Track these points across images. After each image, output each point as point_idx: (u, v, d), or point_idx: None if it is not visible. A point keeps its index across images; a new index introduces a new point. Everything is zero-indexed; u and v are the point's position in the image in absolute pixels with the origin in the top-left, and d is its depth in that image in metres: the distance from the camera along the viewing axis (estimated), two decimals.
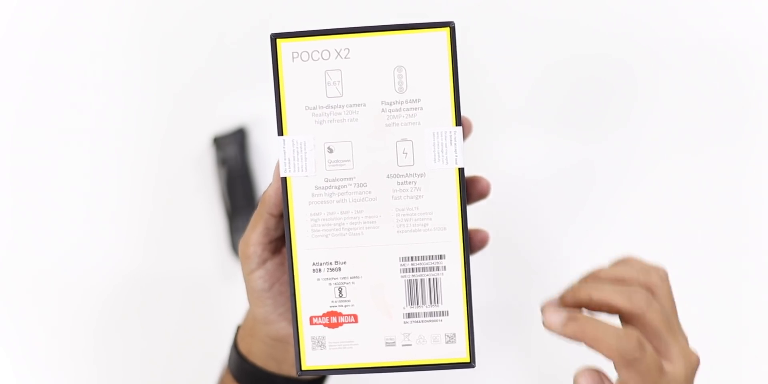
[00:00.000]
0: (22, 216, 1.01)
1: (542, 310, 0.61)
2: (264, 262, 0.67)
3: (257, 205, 1.00)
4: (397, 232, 0.62)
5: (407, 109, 0.61)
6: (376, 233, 0.62)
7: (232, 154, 1.00)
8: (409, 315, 0.63)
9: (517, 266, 0.86)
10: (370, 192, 0.62)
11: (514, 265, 0.86)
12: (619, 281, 0.63)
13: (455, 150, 0.61)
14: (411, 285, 0.62)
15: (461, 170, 0.61)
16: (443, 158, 0.61)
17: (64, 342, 0.99)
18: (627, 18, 1.01)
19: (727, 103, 1.00)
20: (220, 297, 1.00)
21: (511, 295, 0.95)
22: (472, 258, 0.63)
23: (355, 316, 0.63)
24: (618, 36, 1.00)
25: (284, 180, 0.62)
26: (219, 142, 1.00)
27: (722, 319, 0.97)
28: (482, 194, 0.72)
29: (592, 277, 0.64)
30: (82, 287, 1.00)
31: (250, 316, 0.72)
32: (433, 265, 0.62)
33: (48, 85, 1.01)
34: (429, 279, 0.62)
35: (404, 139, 0.61)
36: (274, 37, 0.61)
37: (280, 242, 0.68)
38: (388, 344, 0.63)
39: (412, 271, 0.62)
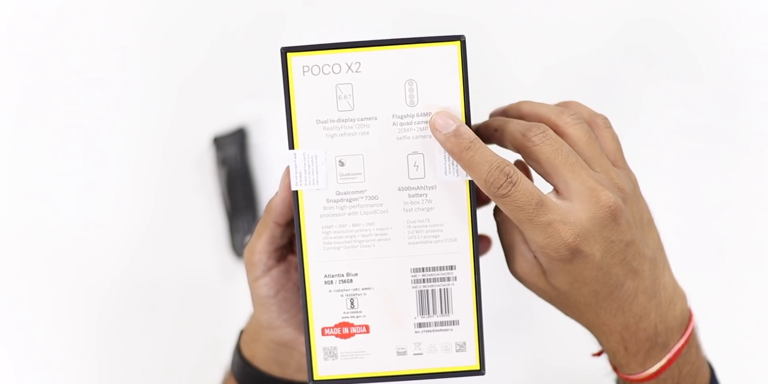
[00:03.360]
0: (22, 215, 1.01)
1: (435, 114, 0.61)
2: (269, 269, 0.67)
3: (257, 205, 1.01)
4: (408, 243, 0.63)
5: (418, 123, 0.62)
6: (388, 245, 0.63)
7: (232, 154, 1.00)
8: (420, 325, 0.63)
9: None
10: (381, 204, 0.62)
11: None
12: (533, 117, 0.65)
13: None
14: (422, 295, 0.63)
15: (472, 182, 0.62)
16: (454, 171, 0.62)
17: (64, 342, 1.00)
18: (627, 18, 1.01)
19: (730, 103, 1.00)
20: (220, 297, 1.00)
21: (519, 302, 0.96)
22: (480, 263, 0.64)
23: (367, 327, 0.63)
24: (618, 36, 1.01)
25: (296, 193, 0.62)
26: (219, 142, 1.00)
27: (724, 318, 0.98)
28: (485, 200, 0.73)
29: (516, 108, 0.66)
30: (81, 287, 1.00)
31: (253, 321, 0.73)
32: (443, 276, 0.63)
33: (48, 85, 1.01)
34: (440, 289, 0.63)
35: (415, 152, 0.62)
36: (285, 51, 0.61)
37: (286, 250, 0.69)
38: (399, 354, 0.64)
39: (423, 282, 0.63)
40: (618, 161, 0.65)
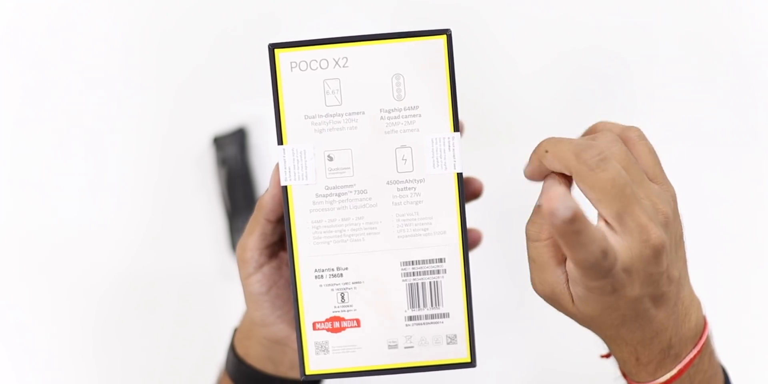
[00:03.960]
0: (22, 215, 1.01)
1: (553, 198, 0.53)
2: (261, 266, 0.67)
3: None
4: (398, 237, 0.63)
5: (406, 117, 0.62)
6: (377, 239, 0.63)
7: (232, 154, 1.00)
8: (410, 318, 0.64)
9: (516, 265, 0.87)
10: (370, 198, 0.63)
11: (512, 264, 0.87)
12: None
13: (453, 155, 0.62)
14: (412, 288, 0.63)
15: (460, 175, 0.62)
16: (442, 164, 0.62)
17: (63, 341, 1.00)
18: (624, 14, 1.01)
19: (727, 98, 1.00)
20: (219, 296, 1.00)
21: (509, 294, 0.96)
22: (469, 256, 0.64)
23: (358, 321, 0.64)
24: (615, 32, 1.01)
25: (285, 188, 0.63)
26: (219, 142, 1.01)
27: (724, 317, 0.97)
28: (475, 194, 0.73)
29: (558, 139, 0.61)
30: (81, 286, 1.00)
31: (247, 319, 0.73)
32: (433, 269, 0.63)
33: (48, 85, 1.01)
34: (430, 282, 0.63)
35: (403, 146, 0.62)
36: (272, 47, 0.62)
37: (277, 247, 0.69)
38: (390, 347, 0.64)
39: (413, 275, 0.63)
40: (657, 177, 0.62)
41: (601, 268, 0.56)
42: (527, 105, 1.01)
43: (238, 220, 1.00)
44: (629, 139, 0.62)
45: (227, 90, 1.02)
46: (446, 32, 0.61)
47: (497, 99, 1.01)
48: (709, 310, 0.66)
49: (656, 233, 0.57)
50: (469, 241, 0.71)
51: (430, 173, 0.62)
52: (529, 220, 0.61)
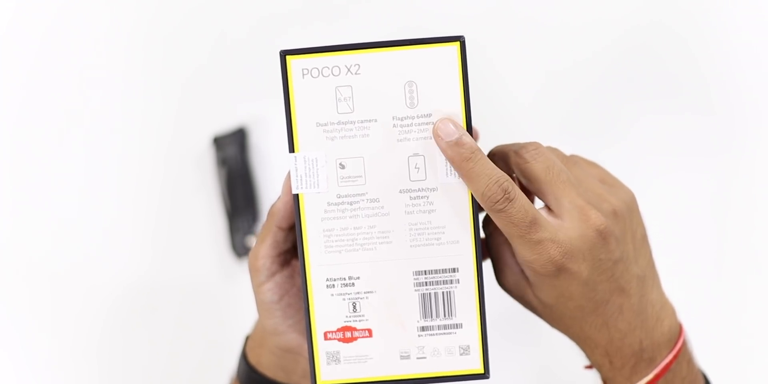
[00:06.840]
0: (22, 217, 1.01)
1: (439, 120, 0.60)
2: (273, 274, 0.67)
3: (257, 205, 1.01)
4: (410, 246, 0.62)
5: (418, 124, 0.61)
6: (389, 248, 0.62)
7: (232, 154, 1.00)
8: (423, 328, 0.63)
9: None
10: (382, 207, 0.62)
11: None
12: (498, 153, 0.66)
13: None
14: (425, 299, 0.63)
15: None
16: (455, 172, 0.61)
17: (65, 344, 1.00)
18: (631, 22, 1.00)
19: (733, 108, 1.00)
20: (220, 297, 1.00)
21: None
22: (483, 266, 0.63)
23: (370, 331, 0.63)
24: (623, 40, 1.00)
25: (296, 197, 0.62)
26: (219, 142, 1.00)
27: (718, 325, 0.98)
28: None
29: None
30: (81, 289, 1.00)
31: (259, 327, 0.72)
32: (446, 279, 0.63)
33: (48, 86, 1.01)
34: (442, 292, 0.63)
35: (416, 154, 0.61)
36: (284, 54, 0.61)
37: (289, 255, 0.68)
38: (402, 357, 0.63)
39: (426, 285, 0.63)
40: (608, 180, 0.66)
41: (496, 204, 0.59)
42: (542, 112, 1.00)
43: (238, 220, 1.00)
44: (567, 159, 0.65)
45: (227, 90, 1.02)
46: (460, 39, 0.61)
47: (511, 106, 1.00)
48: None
49: (596, 215, 0.61)
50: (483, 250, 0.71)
51: (443, 182, 0.62)
52: (484, 219, 0.66)
